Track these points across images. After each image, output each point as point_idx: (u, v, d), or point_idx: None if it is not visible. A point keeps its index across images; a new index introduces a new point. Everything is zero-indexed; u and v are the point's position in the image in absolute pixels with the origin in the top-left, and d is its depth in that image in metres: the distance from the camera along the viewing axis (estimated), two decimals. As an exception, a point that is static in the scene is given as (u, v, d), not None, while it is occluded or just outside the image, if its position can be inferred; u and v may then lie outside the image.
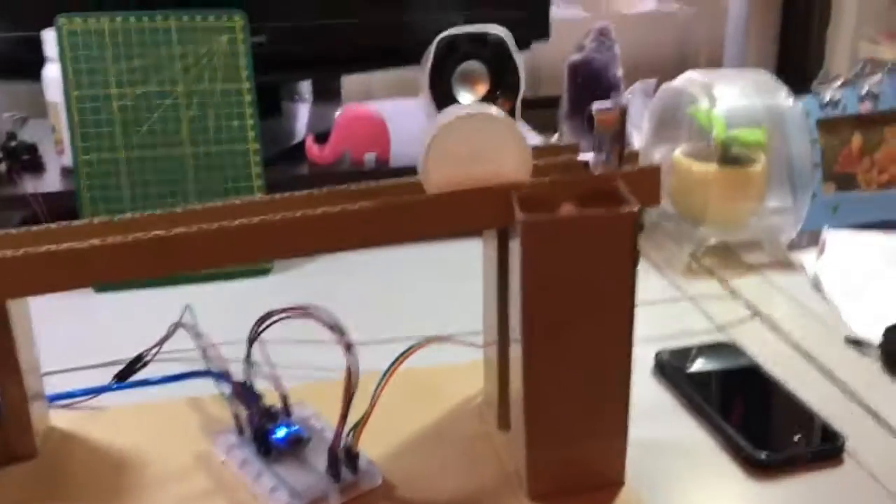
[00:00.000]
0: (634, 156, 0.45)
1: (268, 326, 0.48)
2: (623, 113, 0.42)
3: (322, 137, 0.88)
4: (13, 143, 0.86)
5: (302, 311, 0.48)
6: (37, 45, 0.80)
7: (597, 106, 0.42)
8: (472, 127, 0.46)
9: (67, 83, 0.75)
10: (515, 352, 0.47)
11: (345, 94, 1.21)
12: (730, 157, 0.79)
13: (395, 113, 0.90)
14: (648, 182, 0.44)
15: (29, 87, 1.01)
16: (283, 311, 0.48)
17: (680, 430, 0.56)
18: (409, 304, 0.74)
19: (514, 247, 0.43)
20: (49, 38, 0.78)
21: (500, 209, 0.43)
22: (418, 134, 0.94)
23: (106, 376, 0.60)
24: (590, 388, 0.46)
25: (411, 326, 0.62)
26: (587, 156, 0.46)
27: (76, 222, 0.45)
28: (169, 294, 0.76)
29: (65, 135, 0.81)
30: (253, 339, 0.48)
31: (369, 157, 0.88)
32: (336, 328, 0.47)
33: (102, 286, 0.77)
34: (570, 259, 0.42)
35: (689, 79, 0.82)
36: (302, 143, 0.92)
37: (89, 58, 0.75)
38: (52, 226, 0.45)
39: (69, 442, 0.53)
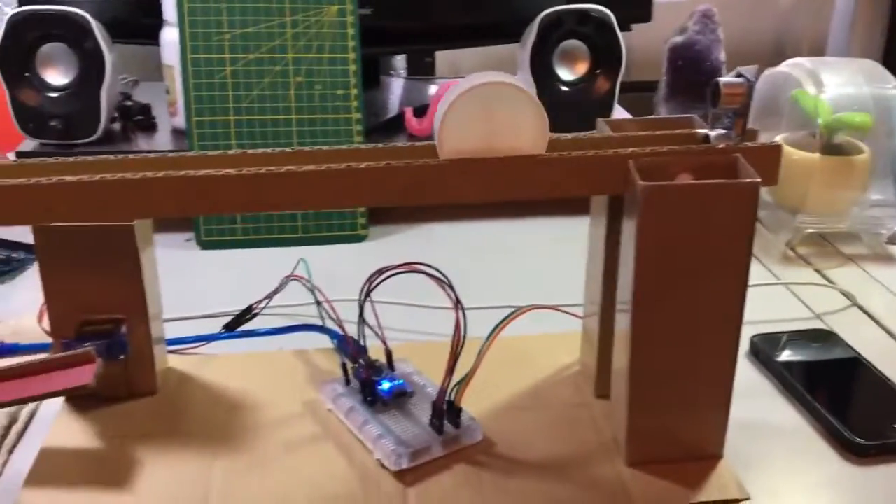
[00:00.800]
0: (753, 133, 0.45)
1: (381, 281, 0.50)
2: (751, 88, 0.43)
3: (420, 111, 0.90)
4: (128, 103, 0.90)
5: (413, 268, 0.49)
6: (154, 9, 0.84)
7: (724, 79, 0.43)
8: (488, 96, 0.44)
9: (185, 46, 0.78)
10: (621, 322, 0.48)
11: (438, 69, 1.23)
12: (833, 145, 0.78)
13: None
14: (769, 160, 0.44)
15: (141, 50, 1.05)
16: (396, 267, 0.50)
17: (775, 413, 0.56)
18: (501, 276, 0.76)
19: (631, 215, 0.44)
20: (168, 2, 0.82)
21: (617, 176, 0.44)
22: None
23: (213, 327, 0.63)
24: (696, 359, 0.46)
25: (503, 297, 0.63)
26: (706, 130, 0.46)
27: (212, 153, 0.47)
28: (267, 254, 0.79)
29: (179, 97, 0.84)
30: (368, 291, 0.50)
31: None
32: (447, 284, 0.48)
33: (208, 243, 0.80)
34: (688, 228, 0.43)
35: (796, 64, 0.81)
36: (398, 115, 0.94)
37: (206, 23, 0.78)
38: (188, 154, 0.47)
39: (185, 383, 0.56)
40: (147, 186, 0.43)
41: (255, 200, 0.44)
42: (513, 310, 0.50)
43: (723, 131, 0.45)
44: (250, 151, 0.46)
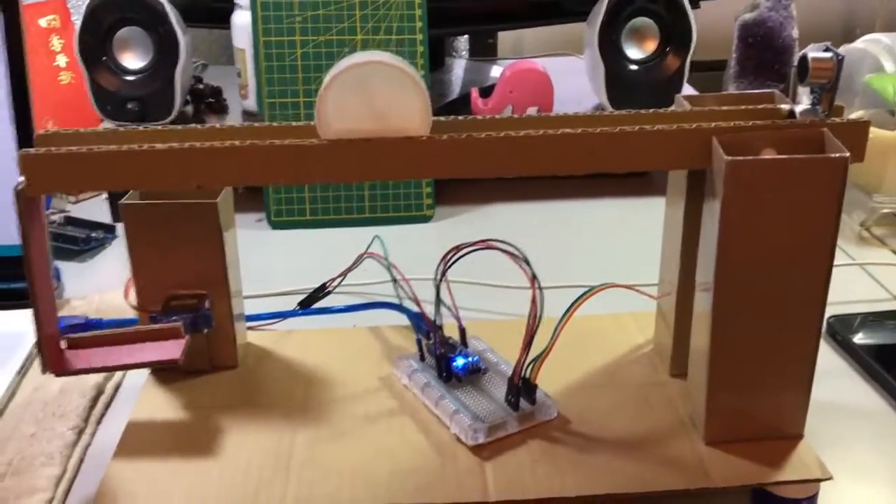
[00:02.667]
0: (840, 109, 0.44)
1: (458, 258, 0.50)
2: (840, 62, 0.42)
3: (485, 91, 0.90)
4: (200, 86, 0.92)
5: (490, 245, 0.50)
6: (226, -6, 0.85)
7: (813, 53, 0.42)
8: (367, 76, 0.44)
9: (256, 29, 0.79)
10: (702, 301, 0.47)
11: (500, 49, 1.22)
12: (912, 124, 0.76)
13: (557, 69, 0.91)
14: (856, 136, 0.43)
15: (211, 34, 1.07)
16: (472, 244, 0.50)
17: (855, 394, 0.56)
18: (567, 255, 0.76)
19: (714, 191, 0.43)
20: (241, -14, 0.83)
21: (699, 150, 0.44)
22: (581, 91, 0.94)
23: (288, 304, 0.65)
24: (778, 338, 0.46)
25: (571, 276, 0.63)
26: (790, 105, 0.45)
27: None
28: (335, 234, 0.80)
29: (250, 79, 0.85)
30: (445, 269, 0.51)
31: (532, 111, 0.89)
32: (524, 261, 0.48)
33: (278, 223, 0.82)
34: (774, 205, 0.42)
35: (873, 40, 0.79)
36: (464, 96, 0.94)
37: (278, 5, 0.79)
38: (274, 124, 0.48)
39: (264, 357, 0.57)
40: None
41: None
42: (584, 289, 0.50)
43: (808, 106, 0.44)
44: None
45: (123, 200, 0.52)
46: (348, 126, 0.44)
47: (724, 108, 0.47)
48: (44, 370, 0.47)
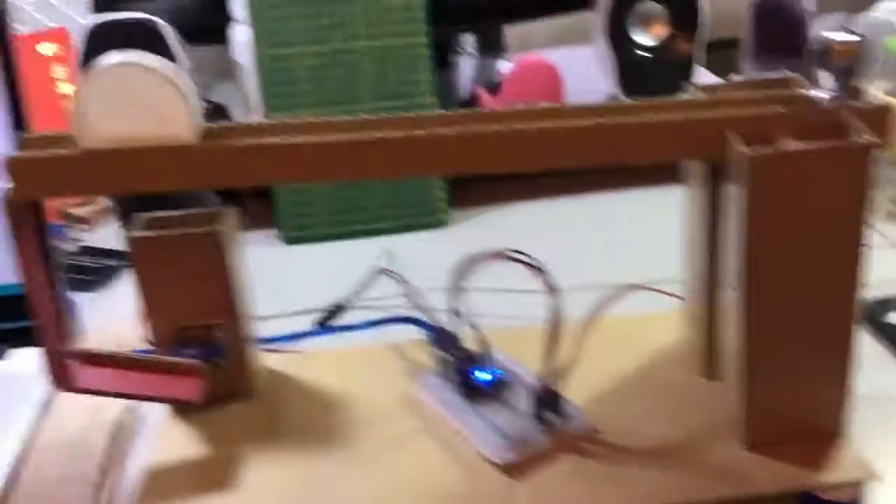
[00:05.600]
0: (860, 92, 0.42)
1: (472, 270, 0.49)
2: (863, 45, 0.39)
3: (493, 88, 0.88)
4: (206, 105, 0.90)
5: (505, 255, 0.48)
6: (223, 9, 0.84)
7: (835, 35, 0.40)
8: (122, 77, 0.42)
9: (257, 43, 0.78)
10: (731, 298, 0.45)
11: (508, 44, 1.20)
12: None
13: (566, 61, 0.89)
14: (879, 119, 0.41)
15: (214, 50, 1.06)
16: (486, 255, 0.49)
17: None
18: (584, 253, 0.74)
19: (736, 184, 0.41)
20: (237, 1, 0.82)
21: (716, 142, 0.41)
22: (592, 82, 0.92)
23: (304, 323, 0.63)
24: (813, 332, 0.44)
25: (589, 275, 0.61)
26: (810, 89, 0.43)
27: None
28: (350, 246, 0.79)
29: (252, 94, 0.84)
30: (459, 282, 0.49)
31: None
32: (541, 270, 0.47)
33: (292, 238, 0.80)
34: (798, 196, 0.40)
35: (893, 10, 0.76)
36: (473, 96, 0.92)
37: (276, 17, 0.78)
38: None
39: (282, 382, 0.56)
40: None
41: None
42: (605, 289, 0.48)
43: (828, 91, 0.42)
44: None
45: (129, 233, 0.51)
46: (107, 130, 0.42)
47: (741, 95, 0.44)
48: (51, 384, 0.46)
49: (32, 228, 0.44)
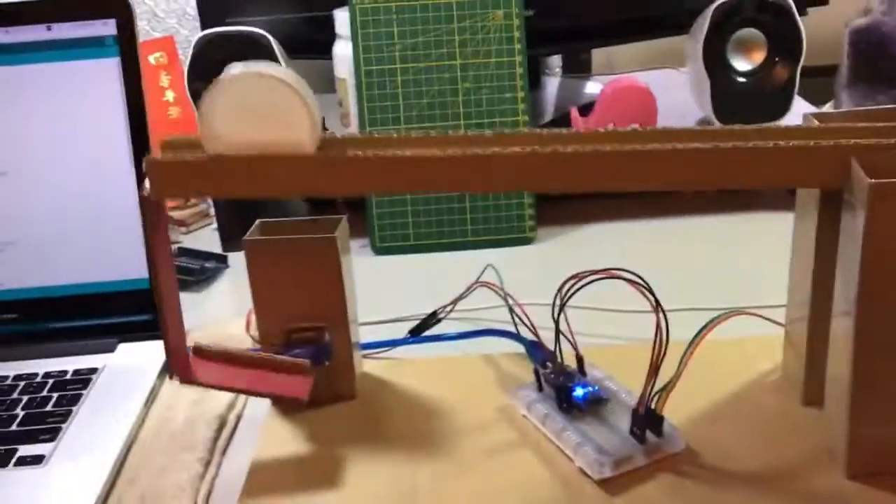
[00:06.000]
0: None
1: (579, 289, 0.50)
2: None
3: (585, 109, 0.89)
4: (302, 116, 0.93)
5: (612, 274, 0.49)
6: (326, 24, 0.87)
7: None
8: (248, 85, 0.43)
9: (358, 59, 0.80)
10: (840, 326, 0.45)
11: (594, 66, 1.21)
12: None
13: (654, 83, 0.89)
14: None
15: (312, 65, 1.09)
16: (593, 272, 0.49)
17: None
18: (675, 276, 0.74)
19: (854, 212, 0.42)
20: (341, 17, 0.85)
21: (835, 169, 0.42)
22: (683, 106, 0.92)
23: (396, 331, 0.65)
24: (926, 366, 0.43)
25: (684, 298, 0.61)
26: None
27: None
28: (438, 259, 0.80)
29: (352, 108, 0.87)
30: (564, 300, 0.50)
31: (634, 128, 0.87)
32: (647, 289, 0.47)
33: (382, 248, 0.82)
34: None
35: None
36: (563, 115, 0.93)
37: (378, 35, 0.80)
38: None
39: (381, 387, 0.57)
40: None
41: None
42: (702, 311, 0.48)
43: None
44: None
45: (247, 237, 0.53)
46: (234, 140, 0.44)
47: (862, 124, 0.45)
48: (170, 375, 0.48)
49: (162, 227, 0.47)
